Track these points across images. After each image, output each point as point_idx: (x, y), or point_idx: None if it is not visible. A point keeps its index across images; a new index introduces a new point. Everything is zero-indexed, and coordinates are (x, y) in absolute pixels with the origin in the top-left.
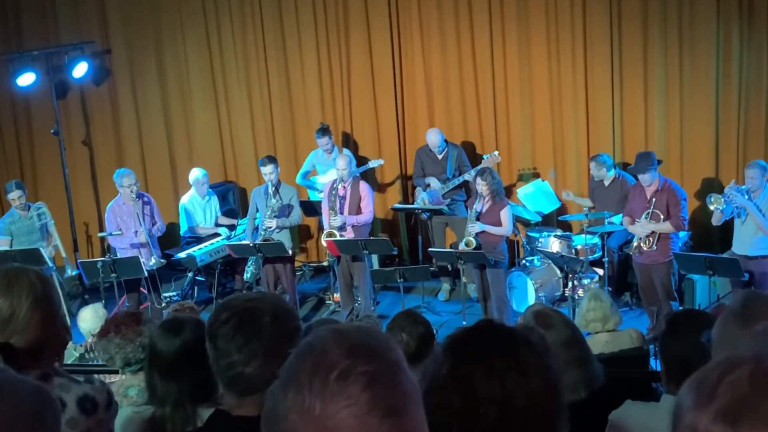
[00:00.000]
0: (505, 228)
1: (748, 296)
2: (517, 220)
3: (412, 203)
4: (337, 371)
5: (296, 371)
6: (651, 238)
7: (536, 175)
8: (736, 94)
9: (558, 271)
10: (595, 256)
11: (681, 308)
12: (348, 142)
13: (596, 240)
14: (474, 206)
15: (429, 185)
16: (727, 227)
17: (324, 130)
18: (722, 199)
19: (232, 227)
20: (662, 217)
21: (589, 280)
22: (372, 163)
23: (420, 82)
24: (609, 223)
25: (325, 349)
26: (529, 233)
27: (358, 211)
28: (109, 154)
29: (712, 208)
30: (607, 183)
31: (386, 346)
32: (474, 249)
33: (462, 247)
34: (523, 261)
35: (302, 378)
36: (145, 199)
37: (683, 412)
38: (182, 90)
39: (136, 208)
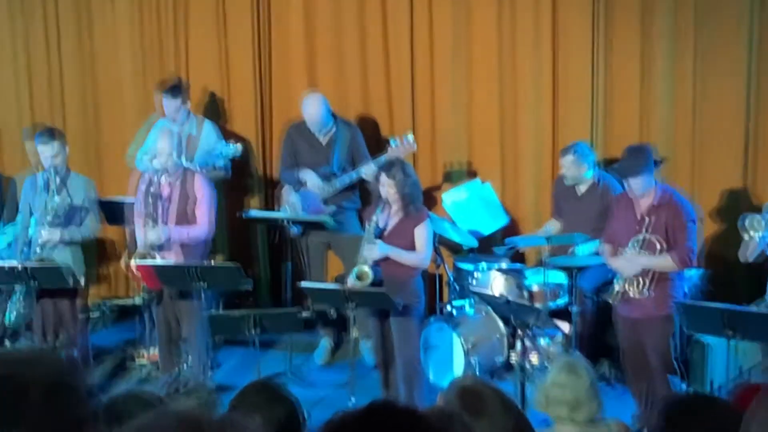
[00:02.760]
0: (421, 254)
1: None
2: (440, 242)
3: (277, 210)
4: None
5: None
6: (643, 280)
7: (472, 174)
8: None
9: (501, 325)
10: (560, 303)
11: (685, 390)
12: None
13: (562, 278)
14: (374, 218)
15: (304, 183)
16: (760, 267)
17: (173, 89)
18: (763, 223)
19: None
20: (660, 246)
21: (548, 341)
22: (224, 150)
23: (297, 26)
24: (595, 253)
25: None
26: (459, 264)
27: (190, 221)
28: None
29: (746, 236)
30: (582, 189)
31: None
32: (372, 285)
33: (352, 281)
34: (449, 307)
35: None
36: None
37: None
38: None
39: None
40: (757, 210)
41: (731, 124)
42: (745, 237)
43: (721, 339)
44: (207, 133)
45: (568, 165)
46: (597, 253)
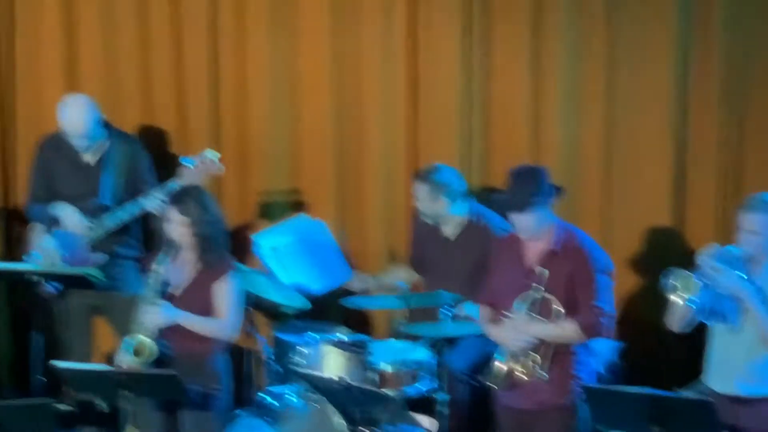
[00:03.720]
0: (224, 321)
1: None
2: (253, 304)
3: (23, 260)
4: None
5: None
6: (535, 355)
7: (298, 207)
8: (719, 64)
9: (339, 421)
10: (421, 388)
11: None
12: None
13: (424, 355)
14: (158, 269)
15: (59, 221)
16: (698, 335)
17: None
18: (695, 282)
19: None
20: (560, 308)
21: None
22: None
23: (51, 13)
24: (454, 316)
25: None
26: (280, 335)
27: None
28: None
29: (674, 298)
30: (449, 231)
31: None
32: (155, 365)
33: (127, 359)
34: (265, 396)
35: None
36: None
37: None
38: None
39: None
40: (690, 258)
41: (659, 138)
42: (673, 300)
43: None
44: None
45: (422, 197)
46: (473, 319)
